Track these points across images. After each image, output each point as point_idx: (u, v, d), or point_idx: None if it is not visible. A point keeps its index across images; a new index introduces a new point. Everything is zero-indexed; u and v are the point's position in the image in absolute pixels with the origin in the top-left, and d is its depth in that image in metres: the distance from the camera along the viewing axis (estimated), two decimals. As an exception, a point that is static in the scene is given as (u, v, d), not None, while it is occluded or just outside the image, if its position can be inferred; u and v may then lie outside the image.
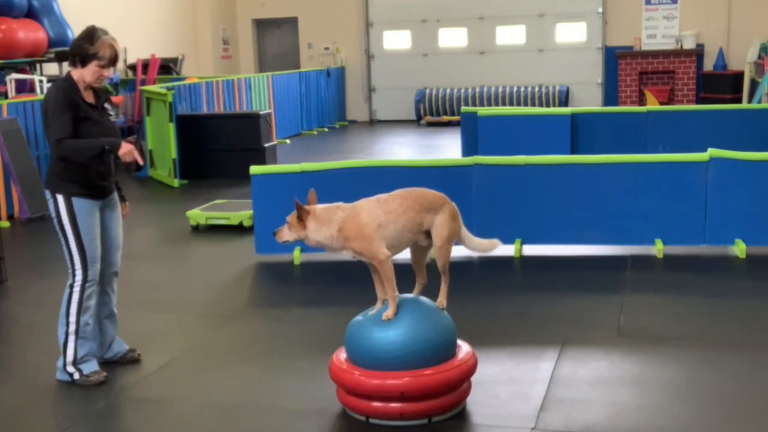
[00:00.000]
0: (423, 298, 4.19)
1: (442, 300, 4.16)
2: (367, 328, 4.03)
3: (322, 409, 4.26)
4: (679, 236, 6.95)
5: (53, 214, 4.63)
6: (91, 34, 4.53)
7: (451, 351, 4.08)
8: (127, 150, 4.54)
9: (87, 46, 4.50)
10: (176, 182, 11.29)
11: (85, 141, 4.50)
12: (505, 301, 5.97)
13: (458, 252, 7.06)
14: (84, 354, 4.68)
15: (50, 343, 4.95)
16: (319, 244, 4.10)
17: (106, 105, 4.74)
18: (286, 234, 4.13)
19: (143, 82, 14.11)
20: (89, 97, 4.62)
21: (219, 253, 7.66)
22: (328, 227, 4.04)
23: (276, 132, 14.75)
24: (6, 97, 11.82)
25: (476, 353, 4.21)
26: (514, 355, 4.91)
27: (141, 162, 4.64)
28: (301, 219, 4.08)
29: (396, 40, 19.19)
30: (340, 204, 4.13)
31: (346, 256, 4.14)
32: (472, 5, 18.49)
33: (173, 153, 11.31)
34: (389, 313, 4.00)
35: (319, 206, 4.13)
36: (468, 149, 10.68)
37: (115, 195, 4.85)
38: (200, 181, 11.39)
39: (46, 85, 11.94)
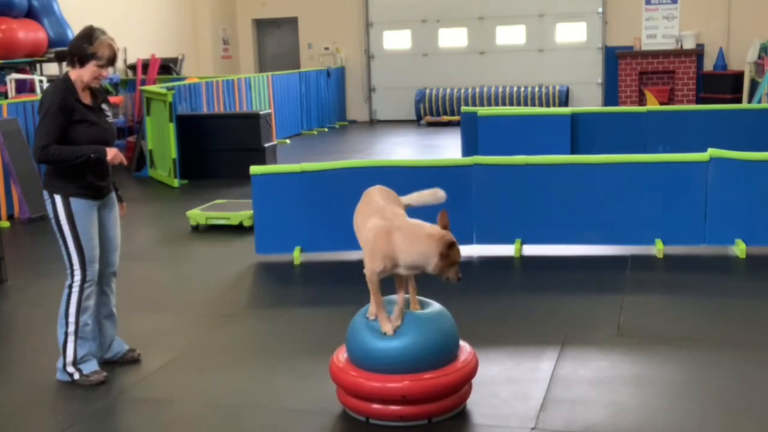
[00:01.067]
0: (424, 300, 4.19)
1: (417, 305, 4.14)
2: (368, 331, 4.02)
3: (322, 409, 4.26)
4: (679, 236, 6.95)
5: (51, 215, 4.63)
6: (89, 34, 4.53)
7: (452, 354, 4.07)
8: (113, 154, 4.57)
9: (86, 46, 4.50)
10: (176, 182, 11.28)
11: (71, 148, 4.49)
12: (505, 301, 5.97)
13: (458, 252, 7.08)
14: (84, 354, 4.68)
15: (50, 343, 4.95)
16: None
17: (104, 106, 4.74)
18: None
19: (143, 82, 14.11)
20: (86, 98, 4.62)
21: (219, 253, 7.66)
22: None
23: (276, 132, 14.75)
24: (6, 97, 11.82)
25: (476, 354, 4.21)
26: (514, 355, 4.90)
27: (125, 162, 4.71)
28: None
29: (396, 40, 19.18)
30: (385, 215, 4.03)
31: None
32: (472, 5, 18.48)
33: (173, 153, 11.31)
34: (390, 326, 3.99)
35: (400, 226, 3.96)
36: (468, 149, 10.68)
37: (113, 195, 4.85)
38: (200, 181, 11.39)
39: (46, 85, 11.93)
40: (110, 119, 4.79)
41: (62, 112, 4.48)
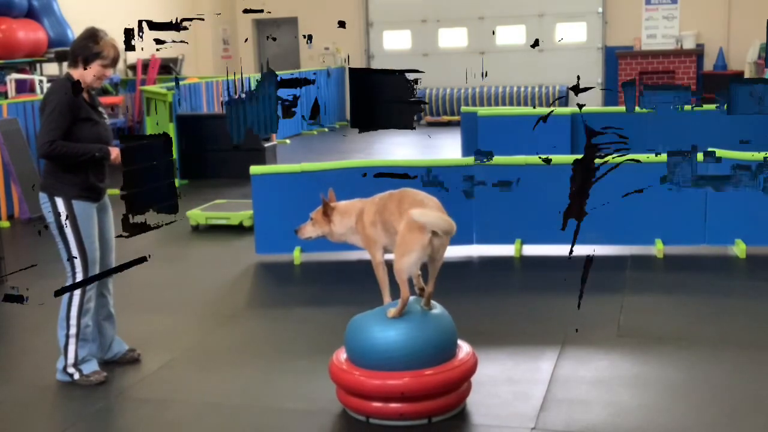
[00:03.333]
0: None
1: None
2: (367, 328, 4.03)
3: (322, 409, 4.26)
4: (679, 236, 6.95)
5: (51, 218, 4.60)
6: (94, 34, 4.57)
7: (451, 351, 4.08)
8: (116, 154, 4.59)
9: (92, 45, 4.53)
10: (176, 182, 11.27)
11: (77, 145, 4.50)
12: (505, 301, 5.97)
13: (458, 252, 7.09)
14: (84, 355, 4.68)
15: (50, 343, 4.95)
16: (343, 237, 4.26)
17: (100, 108, 4.77)
18: (309, 230, 4.27)
19: (143, 82, 14.11)
20: (88, 98, 4.64)
21: (219, 253, 7.66)
22: (348, 218, 4.23)
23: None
24: (6, 97, 11.82)
25: (476, 353, 4.21)
26: (514, 355, 4.91)
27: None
28: (327, 214, 4.22)
29: (396, 40, 19.18)
30: (361, 198, 4.31)
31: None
32: (472, 5, 18.48)
33: (173, 153, 11.30)
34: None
35: (342, 202, 4.31)
36: (468, 149, 10.67)
37: (107, 197, 4.86)
38: (200, 181, 11.39)
39: (46, 85, 11.93)
40: (106, 119, 4.81)
41: (70, 109, 4.49)
